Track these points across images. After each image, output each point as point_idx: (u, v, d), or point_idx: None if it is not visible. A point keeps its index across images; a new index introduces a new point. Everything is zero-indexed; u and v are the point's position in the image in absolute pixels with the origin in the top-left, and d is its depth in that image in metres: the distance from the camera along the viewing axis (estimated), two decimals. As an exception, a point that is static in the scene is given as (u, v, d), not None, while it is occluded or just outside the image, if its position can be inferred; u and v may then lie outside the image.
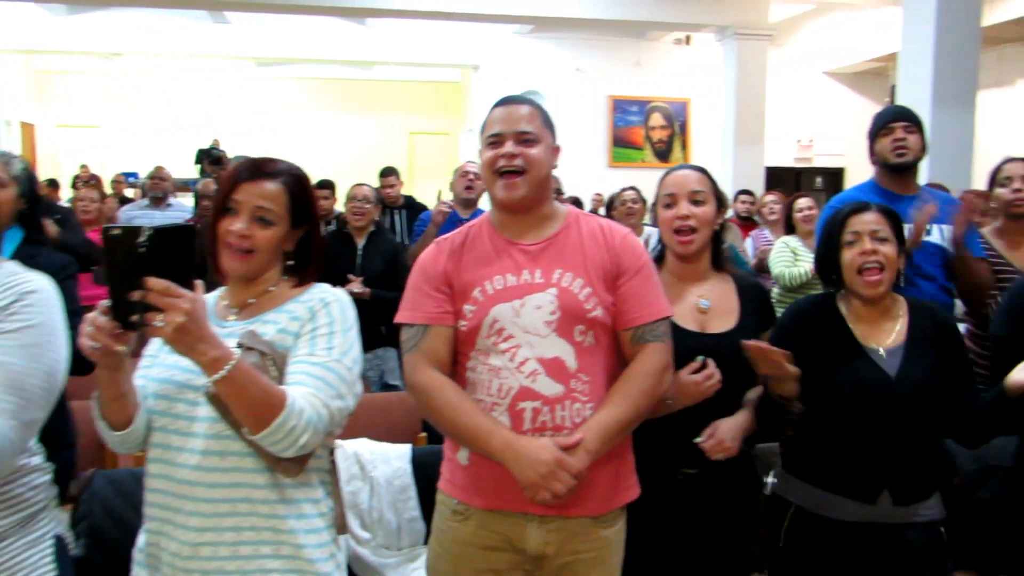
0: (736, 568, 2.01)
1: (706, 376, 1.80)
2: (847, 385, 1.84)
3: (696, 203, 1.93)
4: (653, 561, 1.90)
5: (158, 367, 1.52)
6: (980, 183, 6.74)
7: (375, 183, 5.89)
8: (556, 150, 1.77)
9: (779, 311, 4.84)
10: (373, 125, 12.48)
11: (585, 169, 10.50)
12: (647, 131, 11.14)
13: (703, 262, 2.00)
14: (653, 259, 1.99)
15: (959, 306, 2.87)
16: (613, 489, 1.73)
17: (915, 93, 6.07)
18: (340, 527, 1.62)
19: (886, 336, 1.90)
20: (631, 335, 1.70)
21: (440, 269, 1.73)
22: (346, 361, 1.51)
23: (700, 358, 1.81)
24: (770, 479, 2.11)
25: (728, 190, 8.39)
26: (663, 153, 11.16)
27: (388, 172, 5.90)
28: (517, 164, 1.67)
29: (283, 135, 11.94)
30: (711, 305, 1.94)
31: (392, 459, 2.40)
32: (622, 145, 11.00)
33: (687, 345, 1.86)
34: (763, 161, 9.17)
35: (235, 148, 9.48)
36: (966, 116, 6.07)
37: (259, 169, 1.54)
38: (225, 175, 1.59)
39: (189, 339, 1.27)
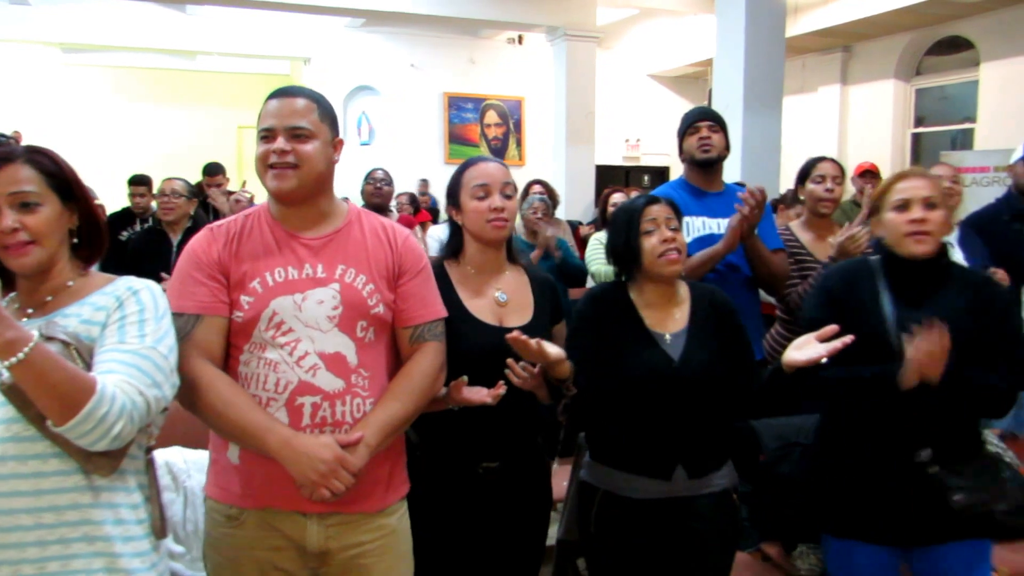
0: (536, 557, 2.06)
1: (491, 394, 1.79)
2: (636, 370, 1.94)
3: (508, 196, 1.97)
4: (453, 554, 1.91)
5: None
6: (787, 181, 7.29)
7: (200, 178, 5.60)
8: (338, 144, 1.73)
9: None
10: (197, 118, 11.82)
11: (422, 166, 10.47)
12: (483, 128, 11.25)
13: (503, 254, 2.04)
14: (449, 252, 2.01)
15: (763, 294, 3.06)
16: (387, 485, 1.73)
17: (728, 97, 6.47)
18: (160, 532, 1.51)
19: (671, 321, 2.01)
20: (410, 333, 1.72)
21: (214, 256, 1.64)
22: (161, 348, 1.42)
23: (464, 377, 1.81)
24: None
25: (561, 187, 8.61)
26: (499, 150, 11.30)
27: (214, 171, 5.61)
28: (289, 160, 1.62)
29: (95, 127, 11.08)
30: (508, 298, 1.98)
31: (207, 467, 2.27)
32: (458, 142, 11.05)
33: (486, 339, 1.90)
34: (594, 159, 9.48)
35: (39, 141, 8.70)
36: (773, 119, 6.53)
37: None
38: None
39: None
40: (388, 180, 4.56)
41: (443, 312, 1.77)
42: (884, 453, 1.95)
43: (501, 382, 1.79)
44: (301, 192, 1.65)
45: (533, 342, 1.72)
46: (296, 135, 1.63)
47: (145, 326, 1.42)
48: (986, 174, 6.84)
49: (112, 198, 6.17)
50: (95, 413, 1.26)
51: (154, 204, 5.05)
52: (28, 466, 1.33)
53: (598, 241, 4.67)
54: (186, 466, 2.24)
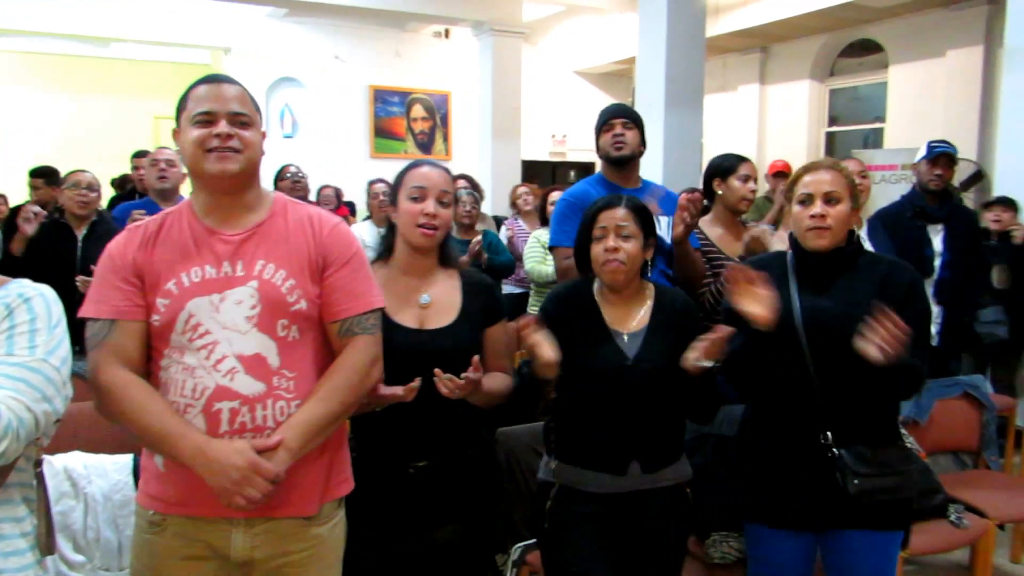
0: (476, 553, 2.06)
1: (404, 389, 1.78)
2: (590, 365, 1.96)
3: (443, 204, 1.95)
4: (384, 556, 1.89)
5: None
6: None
7: (113, 171, 5.41)
8: (263, 135, 1.69)
9: (537, 304, 5.06)
10: (111, 108, 11.37)
11: (347, 159, 10.31)
12: (409, 122, 11.14)
13: (431, 259, 2.02)
14: (382, 252, 1.99)
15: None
16: (325, 485, 1.68)
17: (651, 95, 6.55)
18: (46, 547, 1.45)
19: (631, 321, 2.03)
20: (338, 327, 1.65)
21: (129, 259, 1.58)
22: (52, 360, 1.36)
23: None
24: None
25: (487, 182, 8.61)
26: (425, 145, 11.22)
27: (142, 154, 5.42)
28: (233, 145, 1.57)
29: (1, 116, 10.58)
30: (432, 301, 1.96)
31: (110, 472, 2.19)
32: (384, 136, 10.92)
33: (404, 342, 1.88)
34: (520, 155, 9.49)
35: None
36: (695, 117, 6.65)
37: None
38: None
39: None
40: (301, 174, 4.51)
41: (376, 303, 1.70)
42: (793, 437, 2.00)
43: (417, 379, 1.77)
44: (242, 177, 1.61)
45: (458, 382, 1.75)
46: (240, 121, 1.60)
47: (36, 336, 1.36)
48: (894, 172, 7.12)
49: (17, 190, 5.91)
50: None
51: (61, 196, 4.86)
52: None
53: (535, 239, 4.70)
54: (86, 471, 2.16)
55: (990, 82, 7.35)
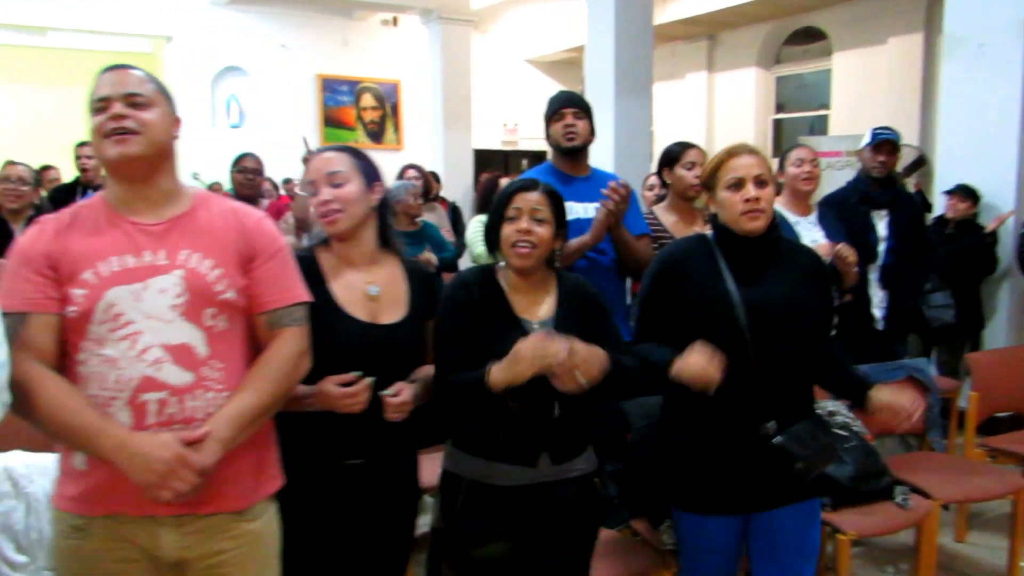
0: (404, 551, 2.03)
1: (355, 392, 1.75)
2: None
3: (336, 185, 1.87)
4: (318, 553, 1.85)
5: None
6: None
7: (55, 162, 5.21)
8: (176, 121, 1.63)
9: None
10: (50, 98, 11.03)
11: (296, 149, 10.15)
12: (359, 112, 11.03)
13: (366, 244, 1.94)
14: (318, 243, 1.94)
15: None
16: (256, 480, 1.64)
17: (600, 83, 6.56)
18: None
19: (539, 309, 1.99)
20: (267, 319, 1.63)
21: (41, 249, 1.52)
22: None
23: (358, 373, 1.76)
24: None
25: (440, 170, 8.56)
26: (376, 134, 11.12)
27: (87, 144, 5.22)
28: (128, 125, 1.52)
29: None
30: (381, 292, 1.91)
31: (52, 471, 2.12)
32: (334, 125, 10.79)
33: (359, 337, 1.83)
34: (471, 143, 9.46)
35: None
36: (643, 105, 6.67)
37: None
38: None
39: None
40: (260, 170, 4.36)
41: (304, 296, 1.68)
42: (728, 426, 2.01)
43: (364, 380, 1.74)
44: (145, 161, 1.55)
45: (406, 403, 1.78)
46: (134, 103, 1.54)
47: None
48: (839, 158, 7.26)
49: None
50: None
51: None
52: None
53: (479, 222, 4.65)
54: (27, 471, 2.10)
55: (930, 69, 7.54)
